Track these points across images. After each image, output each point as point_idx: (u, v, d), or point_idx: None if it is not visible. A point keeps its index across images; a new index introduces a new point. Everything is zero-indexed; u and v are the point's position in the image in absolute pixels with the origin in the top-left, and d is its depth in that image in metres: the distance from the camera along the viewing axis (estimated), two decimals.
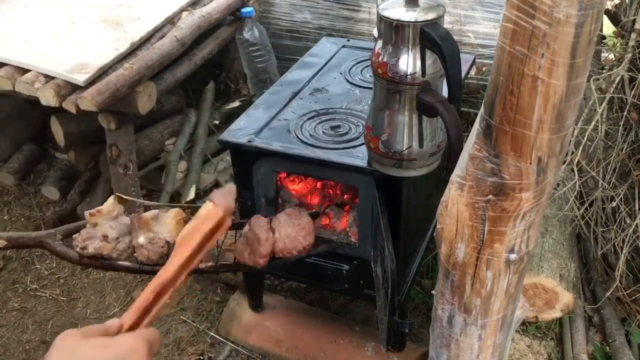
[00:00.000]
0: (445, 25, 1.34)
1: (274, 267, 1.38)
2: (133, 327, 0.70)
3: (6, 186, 2.85)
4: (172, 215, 1.20)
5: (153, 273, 1.19)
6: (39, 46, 2.34)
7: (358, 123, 1.74)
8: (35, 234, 1.22)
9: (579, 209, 1.99)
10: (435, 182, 1.82)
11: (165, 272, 0.72)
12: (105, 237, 1.15)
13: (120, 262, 1.16)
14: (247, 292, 2.09)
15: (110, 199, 1.20)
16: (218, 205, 0.74)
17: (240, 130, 1.73)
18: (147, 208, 2.46)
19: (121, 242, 1.16)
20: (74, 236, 1.17)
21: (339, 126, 1.73)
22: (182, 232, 0.74)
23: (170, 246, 1.16)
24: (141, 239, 1.14)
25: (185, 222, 1.20)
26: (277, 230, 1.22)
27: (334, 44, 2.27)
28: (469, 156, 0.84)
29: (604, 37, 2.17)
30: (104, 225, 1.16)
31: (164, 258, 1.15)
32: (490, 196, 0.84)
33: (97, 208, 1.19)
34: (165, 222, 1.19)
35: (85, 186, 2.74)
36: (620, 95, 1.97)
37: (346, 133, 1.71)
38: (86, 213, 1.18)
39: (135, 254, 1.15)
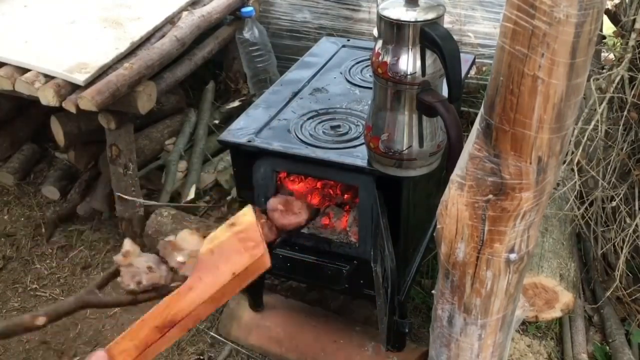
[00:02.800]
0: (445, 25, 1.34)
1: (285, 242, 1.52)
2: None
3: (6, 186, 2.85)
4: (189, 231, 1.24)
5: None
6: (39, 46, 2.34)
7: (358, 123, 1.74)
8: (74, 298, 1.19)
9: (579, 209, 1.99)
10: (435, 182, 1.82)
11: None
12: (150, 268, 1.18)
13: (173, 285, 1.18)
14: (247, 291, 2.09)
15: (127, 241, 1.22)
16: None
17: (240, 130, 1.73)
18: (146, 208, 2.47)
19: (162, 270, 1.19)
20: (118, 280, 1.19)
21: (339, 126, 1.73)
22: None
23: None
24: (180, 258, 1.20)
25: (202, 235, 1.23)
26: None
27: (334, 43, 2.27)
28: (469, 156, 0.84)
29: (604, 37, 2.16)
30: (139, 260, 1.19)
31: None
32: (490, 196, 0.84)
33: (122, 251, 1.20)
34: (187, 239, 1.22)
35: (85, 186, 2.74)
36: (620, 95, 1.97)
37: (346, 133, 1.71)
38: (116, 258, 1.20)
39: (181, 273, 1.18)
